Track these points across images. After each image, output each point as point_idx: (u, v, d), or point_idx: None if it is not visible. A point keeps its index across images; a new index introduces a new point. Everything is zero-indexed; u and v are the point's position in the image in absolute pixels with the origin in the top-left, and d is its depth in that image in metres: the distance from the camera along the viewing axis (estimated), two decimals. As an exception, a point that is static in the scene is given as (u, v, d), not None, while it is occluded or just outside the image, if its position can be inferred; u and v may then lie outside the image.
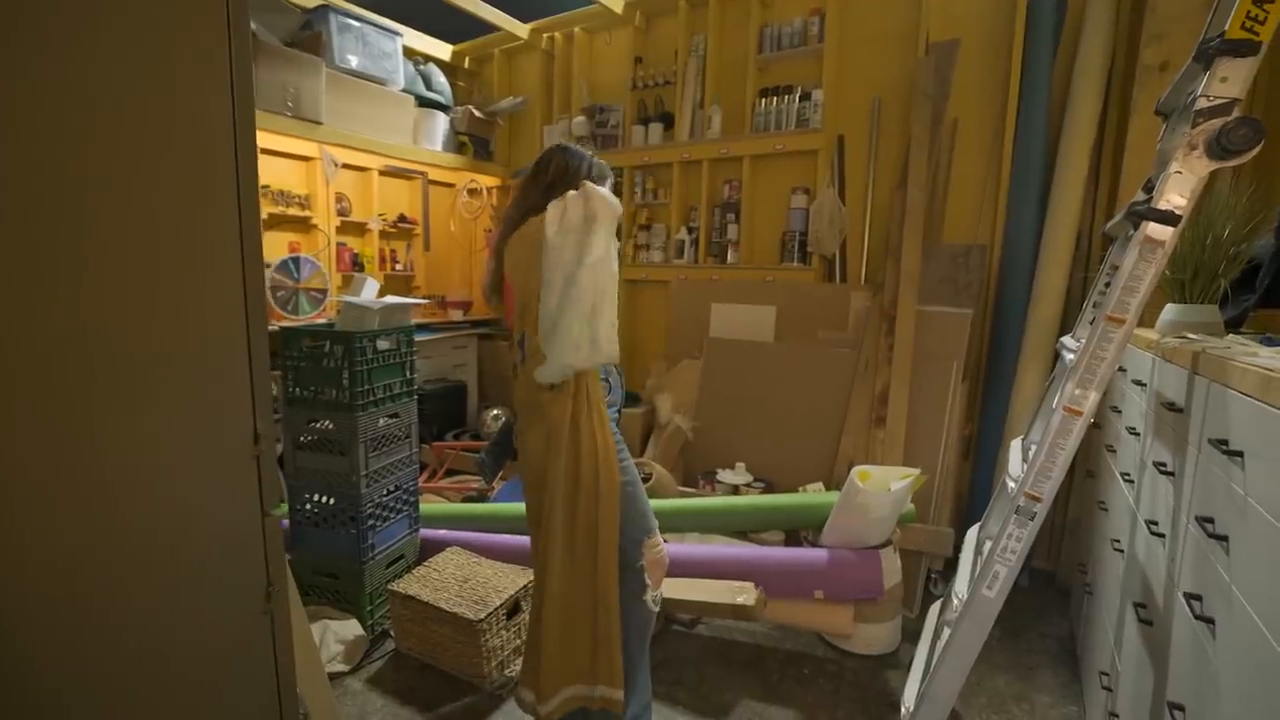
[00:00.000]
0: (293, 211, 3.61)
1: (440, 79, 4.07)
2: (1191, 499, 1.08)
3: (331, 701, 1.51)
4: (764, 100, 3.25)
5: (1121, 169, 2.34)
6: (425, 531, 2.37)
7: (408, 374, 2.25)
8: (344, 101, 3.37)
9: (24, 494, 0.58)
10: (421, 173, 4.16)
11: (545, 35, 4.09)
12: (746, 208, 3.39)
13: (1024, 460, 1.56)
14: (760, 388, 2.91)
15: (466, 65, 4.49)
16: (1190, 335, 1.41)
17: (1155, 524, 1.26)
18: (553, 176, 1.49)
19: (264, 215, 3.45)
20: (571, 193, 1.41)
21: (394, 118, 3.71)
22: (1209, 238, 1.46)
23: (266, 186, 3.49)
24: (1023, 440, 1.72)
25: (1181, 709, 0.99)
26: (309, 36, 3.31)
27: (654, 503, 2.36)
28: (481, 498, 2.97)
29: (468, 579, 2.04)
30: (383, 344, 2.12)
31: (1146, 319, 1.66)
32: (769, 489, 2.67)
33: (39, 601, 0.60)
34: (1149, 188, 1.39)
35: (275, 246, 3.48)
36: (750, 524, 2.31)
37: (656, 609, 1.54)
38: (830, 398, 2.71)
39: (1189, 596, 1.01)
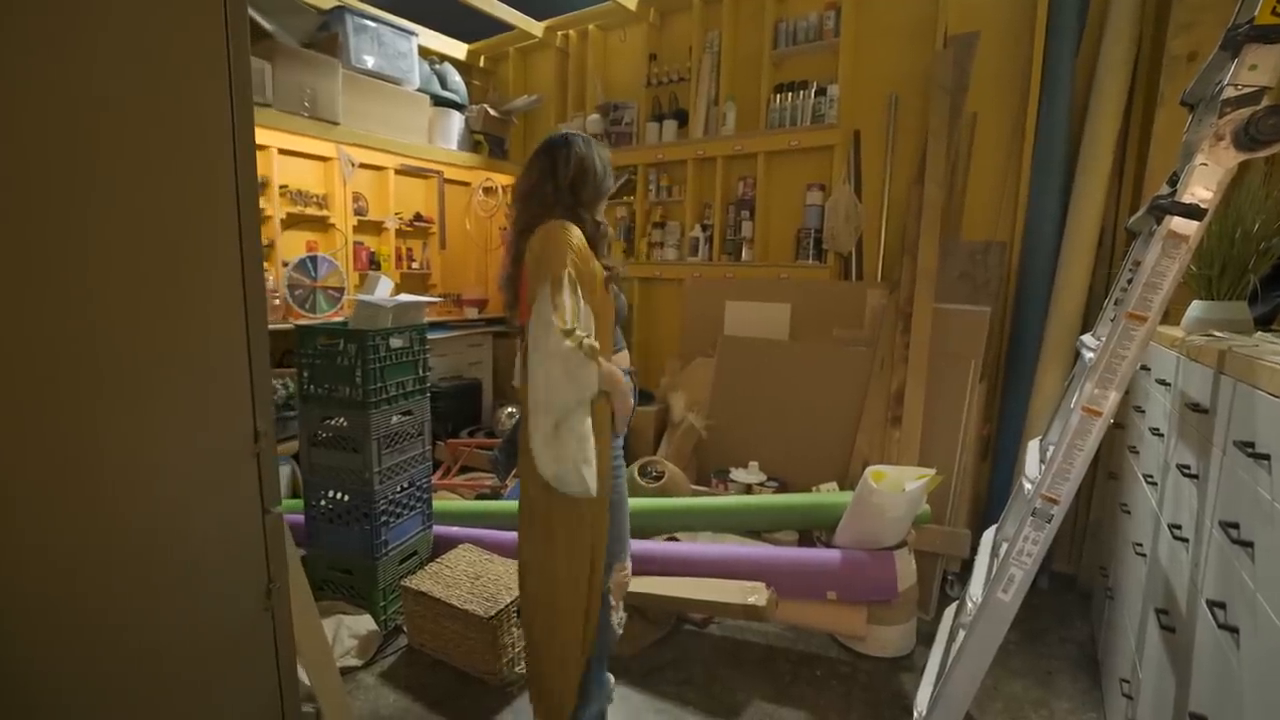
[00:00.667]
0: (310, 211, 3.65)
1: (455, 78, 4.09)
2: (1216, 503, 1.05)
3: (343, 696, 1.52)
4: (779, 96, 3.21)
5: (1147, 163, 2.27)
6: (438, 528, 2.39)
7: (421, 371, 2.26)
8: (360, 101, 3.40)
9: (25, 492, 0.59)
10: (437, 172, 4.18)
11: (560, 33, 4.09)
12: (761, 205, 3.36)
13: (1041, 461, 1.52)
14: (774, 386, 2.89)
15: (481, 64, 4.51)
16: (1217, 333, 1.37)
17: (1178, 528, 1.22)
18: (574, 174, 1.44)
19: (282, 215, 3.51)
20: (535, 239, 1.38)
21: (409, 117, 3.73)
22: (1238, 232, 1.41)
23: (285, 186, 3.53)
24: (1041, 441, 1.68)
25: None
26: (326, 38, 3.35)
27: (667, 502, 2.36)
28: (495, 495, 2.98)
29: (479, 576, 2.05)
30: (395, 342, 2.13)
31: (1172, 316, 1.61)
32: (782, 488, 2.64)
33: (39, 598, 0.61)
34: (1174, 181, 1.35)
35: (293, 245, 3.52)
36: (763, 523, 2.29)
37: (620, 631, 1.53)
38: (845, 397, 2.68)
39: (1212, 604, 0.97)
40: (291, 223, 3.59)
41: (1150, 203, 1.27)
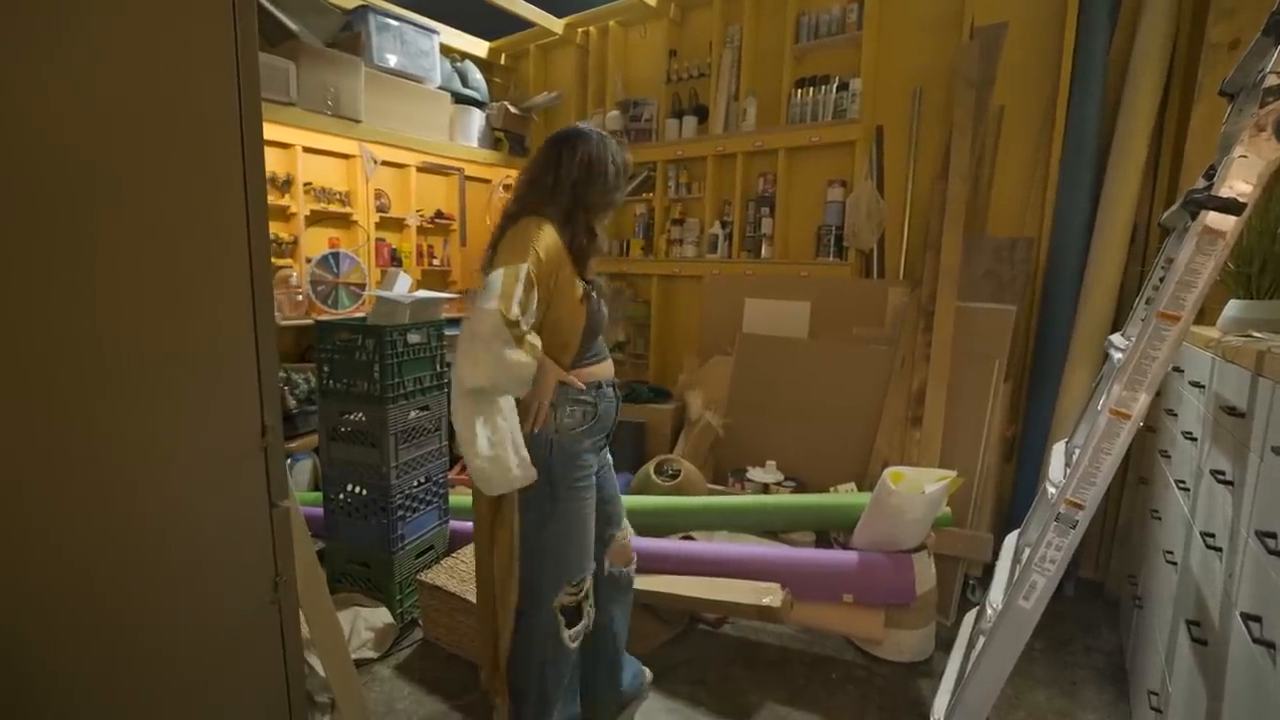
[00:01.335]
0: (334, 208, 3.70)
1: (476, 75, 4.11)
2: (1252, 511, 1.00)
3: (358, 688, 1.54)
4: (800, 91, 3.17)
5: (1183, 157, 2.19)
6: (454, 523, 2.40)
7: (438, 367, 2.27)
8: (383, 99, 3.44)
9: (36, 490, 0.60)
10: (458, 169, 4.21)
11: (580, 30, 4.08)
12: (781, 201, 3.32)
13: (1067, 465, 1.48)
14: (793, 385, 2.85)
15: (503, 61, 4.52)
16: (1255, 334, 1.31)
17: (1212, 536, 1.18)
18: (578, 174, 1.40)
19: (306, 211, 3.56)
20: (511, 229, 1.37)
21: (431, 115, 3.76)
22: None
23: (310, 184, 3.59)
24: (1066, 444, 1.63)
25: (1236, 737, 0.92)
26: (349, 37, 3.38)
27: (682, 500, 2.34)
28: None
29: (493, 571, 2.06)
30: (413, 337, 2.15)
31: (1207, 316, 1.55)
32: (800, 488, 2.61)
33: (52, 596, 0.61)
34: (1210, 174, 1.30)
35: (316, 242, 3.57)
36: (779, 524, 2.26)
37: (574, 645, 1.51)
38: (865, 396, 2.63)
39: (1247, 617, 0.93)
40: (315, 219, 3.64)
41: (1185, 197, 1.22)
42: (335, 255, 3.34)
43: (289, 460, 2.75)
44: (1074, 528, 1.21)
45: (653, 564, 2.04)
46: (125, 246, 0.64)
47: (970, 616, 1.93)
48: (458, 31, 4.10)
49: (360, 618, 2.04)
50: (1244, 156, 1.06)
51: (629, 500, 2.29)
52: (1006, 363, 2.42)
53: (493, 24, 4.16)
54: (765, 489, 2.63)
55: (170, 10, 0.60)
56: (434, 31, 3.72)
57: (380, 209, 3.87)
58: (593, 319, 1.45)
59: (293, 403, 2.71)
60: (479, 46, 4.33)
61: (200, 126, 0.64)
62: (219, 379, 0.66)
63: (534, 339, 1.30)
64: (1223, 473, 1.15)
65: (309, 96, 3.09)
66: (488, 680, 1.55)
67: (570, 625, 1.48)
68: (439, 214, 4.19)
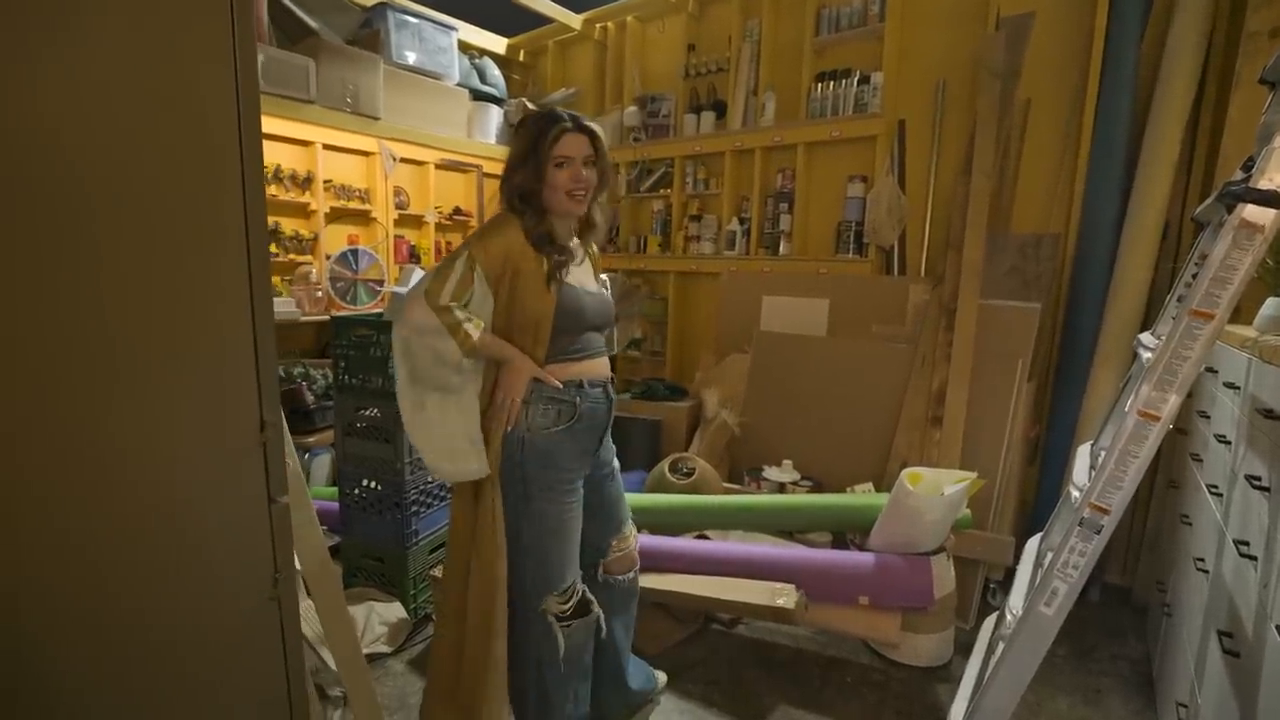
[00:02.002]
0: (353, 205, 3.73)
1: (495, 72, 4.12)
2: (1289, 518, 0.96)
3: (368, 682, 1.54)
4: (820, 85, 3.12)
5: (1220, 151, 2.12)
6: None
7: (452, 363, 2.27)
8: (401, 96, 3.46)
9: (32, 486, 0.60)
10: (477, 165, 4.22)
11: (598, 25, 4.06)
12: (800, 197, 3.28)
13: (1092, 468, 1.43)
14: (811, 383, 2.81)
15: (521, 58, 4.52)
16: (1294, 333, 1.25)
17: (1246, 544, 1.13)
18: (509, 162, 1.40)
19: (326, 208, 3.60)
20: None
21: (449, 112, 3.77)
22: (1321, 223, 1.28)
23: (330, 181, 3.62)
24: (1092, 446, 1.58)
25: (1269, 755, 0.87)
26: (368, 34, 3.41)
27: (697, 499, 2.32)
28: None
29: (506, 568, 2.06)
30: (428, 334, 2.15)
31: (1243, 314, 1.49)
32: (817, 488, 2.57)
33: (46, 589, 0.61)
34: (1248, 166, 1.24)
35: (336, 239, 3.61)
36: (795, 524, 2.23)
37: (576, 641, 1.49)
38: (884, 395, 2.59)
39: (1282, 629, 0.89)
40: (335, 216, 3.68)
41: (1221, 189, 1.16)
42: (354, 252, 3.37)
43: (307, 455, 2.78)
44: (1098, 533, 1.17)
45: (666, 563, 2.02)
46: (120, 241, 0.63)
47: (990, 621, 1.89)
48: (476, 28, 4.11)
49: (374, 612, 2.06)
50: (1285, 147, 1.01)
51: (643, 499, 2.28)
52: (1030, 362, 2.36)
53: (511, 20, 4.16)
54: (781, 488, 2.60)
55: (168, 5, 0.59)
56: (452, 28, 3.73)
57: (399, 206, 3.89)
58: (566, 310, 1.40)
59: (311, 398, 2.74)
60: (497, 43, 4.34)
61: (196, 117, 0.64)
62: (216, 374, 0.66)
63: (472, 327, 1.32)
64: (1259, 478, 1.10)
65: (328, 94, 3.11)
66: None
67: (566, 620, 1.45)
68: (457, 210, 4.21)
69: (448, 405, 1.37)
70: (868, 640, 2.02)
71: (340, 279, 3.30)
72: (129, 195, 0.62)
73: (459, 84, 3.81)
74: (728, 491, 2.60)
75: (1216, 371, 1.56)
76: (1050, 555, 1.27)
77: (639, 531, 2.21)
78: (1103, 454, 1.28)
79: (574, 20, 4.03)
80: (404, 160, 3.83)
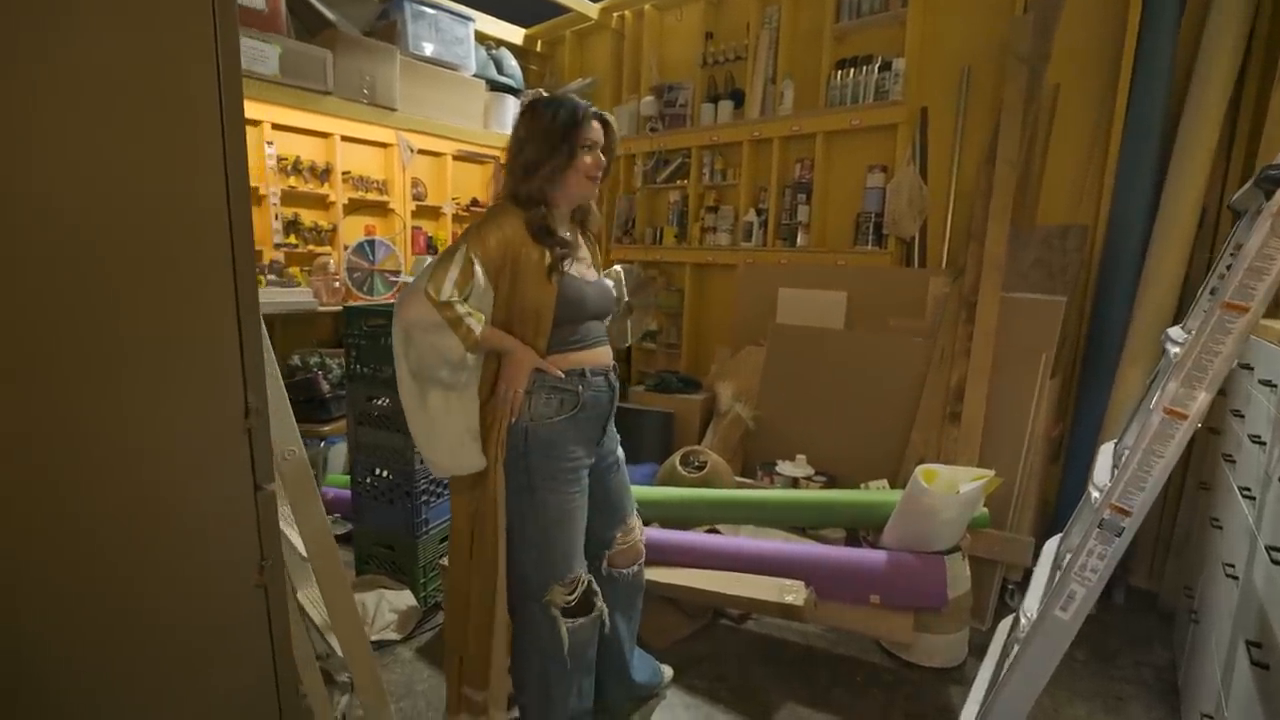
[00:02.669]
0: (371, 196, 3.76)
1: (512, 63, 4.10)
2: (1325, 523, 0.90)
3: (374, 668, 1.55)
4: (840, 72, 3.05)
5: (1261, 138, 2.02)
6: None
7: (464, 354, 2.27)
8: (418, 87, 3.46)
9: (18, 479, 0.59)
10: (494, 157, 4.22)
11: (616, 14, 4.02)
12: (819, 188, 3.21)
13: (1115, 467, 1.37)
14: (826, 377, 2.76)
15: (538, 48, 4.50)
16: (1336, 328, 1.19)
17: (1278, 550, 1.07)
18: (514, 149, 1.38)
19: (344, 200, 3.63)
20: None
21: (466, 102, 3.77)
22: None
23: (348, 172, 3.66)
24: (1115, 444, 1.52)
25: (1297, 773, 0.83)
26: (385, 25, 3.41)
27: (707, 493, 2.29)
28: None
29: (514, 559, 2.05)
30: (439, 324, 2.15)
31: (1281, 308, 1.42)
32: (830, 484, 2.53)
33: (37, 579, 0.61)
34: (1289, 151, 1.17)
35: (353, 230, 3.64)
36: (807, 519, 2.19)
37: (581, 636, 1.48)
38: (901, 390, 2.53)
39: (1314, 640, 0.84)
40: (353, 208, 3.71)
41: (1259, 174, 1.10)
42: (371, 243, 3.39)
43: (324, 443, 2.81)
44: (1119, 535, 1.12)
45: (674, 557, 2.00)
46: (101, 229, 0.62)
47: (1005, 624, 1.84)
48: (493, 19, 4.09)
49: (384, 600, 2.07)
50: (1328, 128, 0.95)
51: (653, 492, 2.26)
52: (1054, 357, 2.28)
53: (529, 10, 4.14)
54: (794, 483, 2.56)
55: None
56: (469, 19, 3.72)
57: (416, 197, 3.91)
58: (568, 300, 1.39)
59: (326, 387, 2.77)
60: (514, 33, 4.32)
61: (177, 99, 0.63)
62: (200, 362, 0.65)
63: (474, 322, 1.29)
64: (1293, 481, 1.04)
65: (345, 85, 3.13)
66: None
67: (571, 616, 1.44)
68: (474, 202, 4.21)
69: (450, 401, 1.35)
70: (879, 639, 1.98)
71: (357, 269, 3.32)
72: (106, 181, 0.61)
73: (476, 75, 3.80)
74: (739, 486, 2.57)
75: (1252, 368, 1.49)
76: (1069, 557, 1.22)
77: (648, 525, 2.21)
78: (1126, 453, 1.23)
79: (591, 9, 4.00)
80: (421, 152, 3.85)
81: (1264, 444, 1.28)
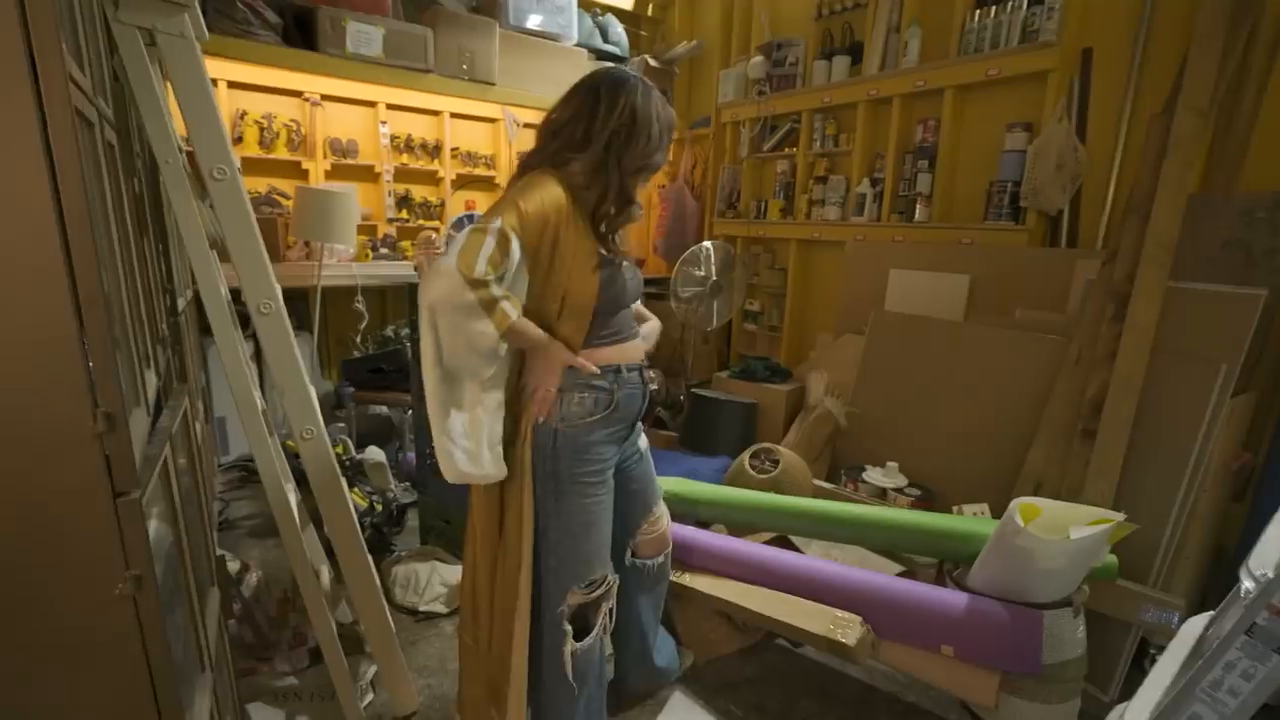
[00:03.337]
0: (479, 171, 3.86)
1: (618, 30, 3.97)
2: None
3: (392, 639, 1.57)
4: (979, 13, 2.56)
5: None
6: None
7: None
8: (517, 60, 3.45)
9: None
10: (597, 129, 4.14)
11: (728, -31, 3.72)
12: (945, 152, 2.76)
13: (1287, 539, 0.99)
14: (933, 374, 2.38)
15: (650, 13, 4.32)
16: None
17: None
18: (616, 127, 1.19)
19: (452, 175, 3.75)
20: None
21: (567, 73, 3.64)
22: None
23: (456, 149, 3.77)
24: (1301, 503, 1.10)
25: None
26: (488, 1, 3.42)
27: (768, 498, 2.04)
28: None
29: (557, 548, 2.00)
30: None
31: None
32: (924, 499, 2.19)
33: None
34: None
35: (460, 204, 3.77)
36: (877, 541, 1.90)
37: (586, 660, 1.37)
38: (1023, 397, 2.10)
39: None
40: (461, 184, 3.83)
41: None
42: (469, 217, 3.47)
43: (409, 411, 2.93)
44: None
45: (719, 565, 1.83)
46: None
47: (1118, 714, 1.46)
48: (600, -16, 3.97)
49: (437, 572, 2.12)
50: None
51: (708, 490, 2.08)
52: (1245, 367, 1.76)
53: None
54: (882, 494, 2.25)
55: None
56: (572, -13, 3.62)
57: (520, 171, 3.95)
58: (609, 292, 1.26)
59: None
60: (624, -1, 4.17)
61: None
62: (23, 363, 0.59)
63: (509, 305, 1.14)
64: None
65: (445, 62, 3.18)
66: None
67: (578, 638, 1.35)
68: (575, 175, 4.18)
69: (476, 400, 1.23)
70: (955, 694, 1.68)
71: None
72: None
73: (579, 44, 3.71)
74: (818, 490, 2.31)
75: None
76: (1198, 665, 0.89)
77: (706, 527, 2.05)
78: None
79: (701, -35, 3.73)
80: (526, 125, 3.86)
81: None
